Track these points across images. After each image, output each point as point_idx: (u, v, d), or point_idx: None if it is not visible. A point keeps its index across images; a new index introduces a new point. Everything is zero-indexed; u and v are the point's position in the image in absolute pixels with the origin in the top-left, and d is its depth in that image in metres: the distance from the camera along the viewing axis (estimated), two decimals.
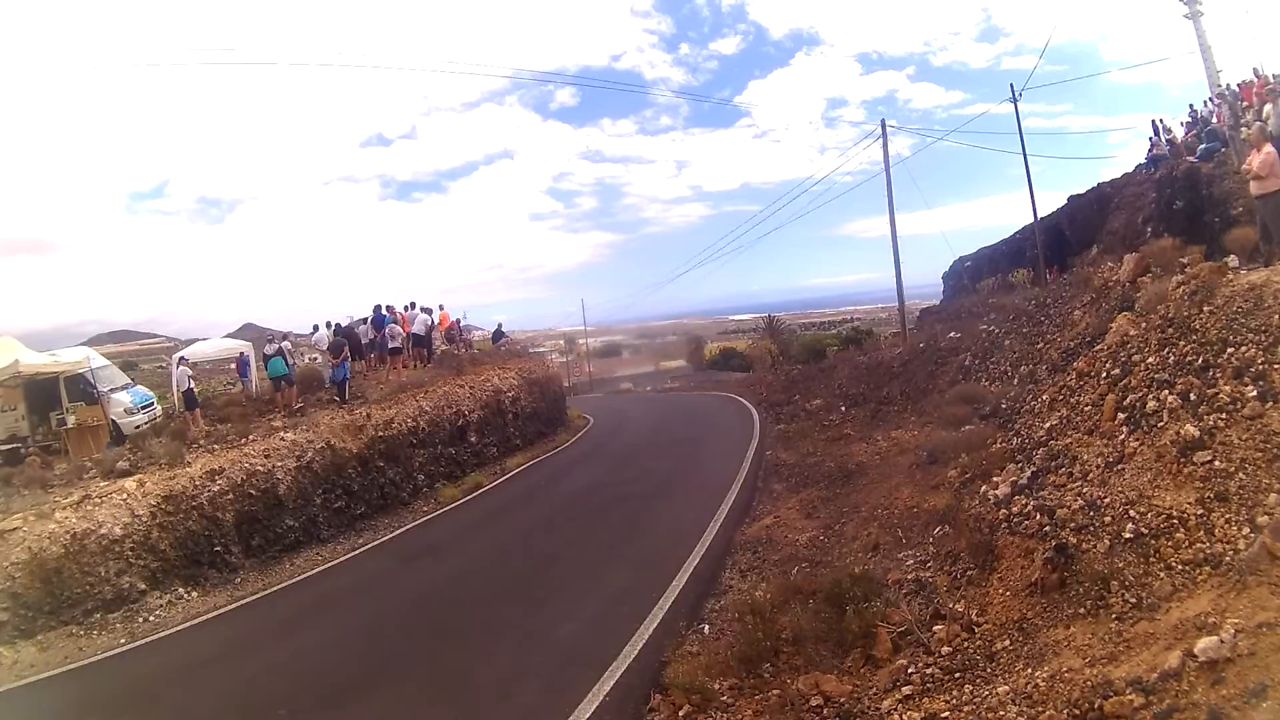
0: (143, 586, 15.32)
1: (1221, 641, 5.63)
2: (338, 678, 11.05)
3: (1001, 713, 6.71)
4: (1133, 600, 7.35)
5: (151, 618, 14.84)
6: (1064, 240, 30.03)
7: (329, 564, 17.55)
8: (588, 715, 9.09)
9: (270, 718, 10.01)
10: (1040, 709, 6.45)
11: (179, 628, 14.24)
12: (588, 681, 9.80)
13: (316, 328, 29.02)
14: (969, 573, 10.22)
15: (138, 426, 22.19)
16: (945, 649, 8.68)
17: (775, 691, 8.98)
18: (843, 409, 27.35)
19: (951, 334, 27.01)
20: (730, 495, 18.61)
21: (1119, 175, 29.38)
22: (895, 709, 7.87)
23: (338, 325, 28.10)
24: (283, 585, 16.27)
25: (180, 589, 15.79)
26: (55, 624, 14.09)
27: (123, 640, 13.91)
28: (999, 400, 17.25)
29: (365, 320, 28.73)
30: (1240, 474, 7.83)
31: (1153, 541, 7.84)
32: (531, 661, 10.75)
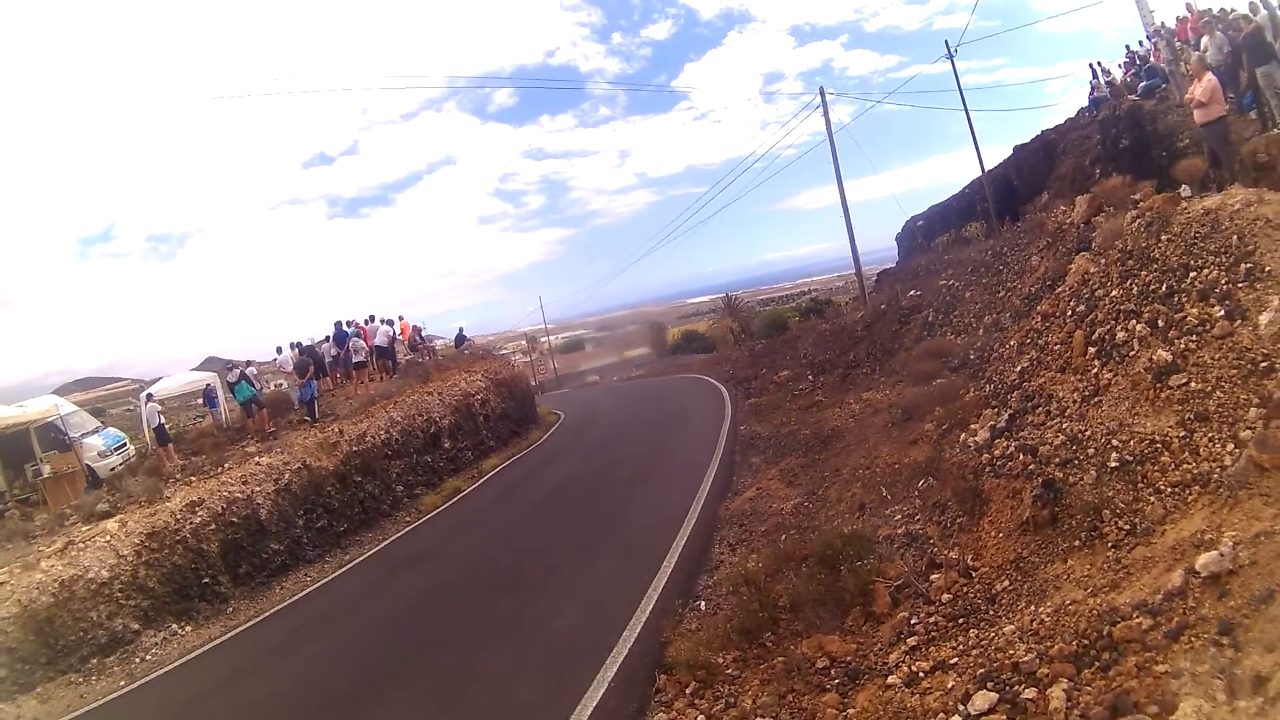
0: (136, 627, 15.09)
1: (1221, 555, 5.67)
2: (341, 693, 10.94)
3: (1010, 651, 6.72)
4: (1126, 527, 7.42)
5: (148, 657, 14.60)
6: (1014, 190, 30.10)
7: (318, 583, 17.30)
8: (594, 703, 8.99)
9: None
10: (1049, 643, 6.47)
11: (176, 664, 14.04)
12: (590, 670, 9.71)
13: (280, 349, 28.69)
14: (959, 520, 10.28)
15: (113, 469, 21.78)
16: (945, 596, 8.73)
17: (779, 659, 8.95)
18: (811, 377, 27.37)
19: (912, 292, 27.10)
20: (710, 473, 18.56)
21: (1062, 121, 29.56)
22: (903, 661, 7.88)
23: (301, 345, 27.82)
24: (275, 610, 16.03)
25: (173, 625, 15.56)
26: (53, 674, 13.87)
27: (122, 683, 13.66)
28: (966, 351, 17.35)
29: (327, 338, 28.46)
30: (1218, 393, 7.91)
31: (1139, 468, 7.92)
32: (532, 656, 10.66)
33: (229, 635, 14.99)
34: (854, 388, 23.51)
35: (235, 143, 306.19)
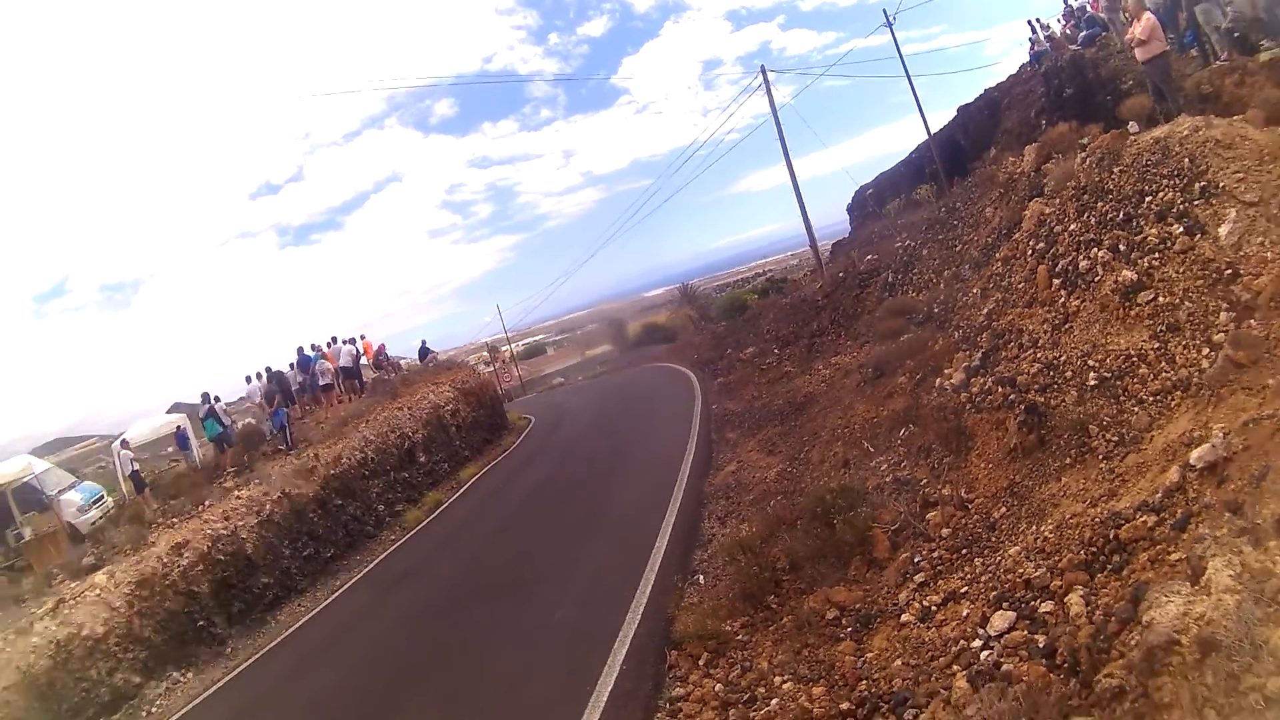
0: (137, 680, 14.60)
1: (1214, 446, 5.80)
2: (356, 715, 10.83)
3: (1020, 570, 6.84)
4: (1114, 439, 7.60)
5: (154, 709, 14.16)
6: (961, 150, 30.08)
7: (313, 611, 16.99)
8: (609, 688, 8.92)
9: None
10: (1057, 558, 6.60)
11: (183, 712, 13.59)
12: (599, 657, 9.64)
13: (249, 379, 28.08)
14: (946, 460, 10.42)
15: (93, 523, 21.29)
16: (944, 531, 8.86)
17: (788, 618, 9.00)
18: (777, 350, 27.41)
19: (869, 257, 27.24)
20: (688, 454, 18.54)
21: (1005, 79, 29.66)
22: (913, 598, 8.00)
23: (269, 370, 27.38)
24: (274, 644, 15.68)
25: (174, 673, 15.17)
26: None
27: None
28: (930, 306, 17.48)
29: (292, 365, 28.13)
30: (1186, 303, 8.16)
31: (1118, 382, 8.14)
32: (540, 653, 10.57)
33: (232, 676, 14.63)
34: (821, 355, 23.61)
35: (179, 181, 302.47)
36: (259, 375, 27.06)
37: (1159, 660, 3.86)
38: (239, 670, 14.80)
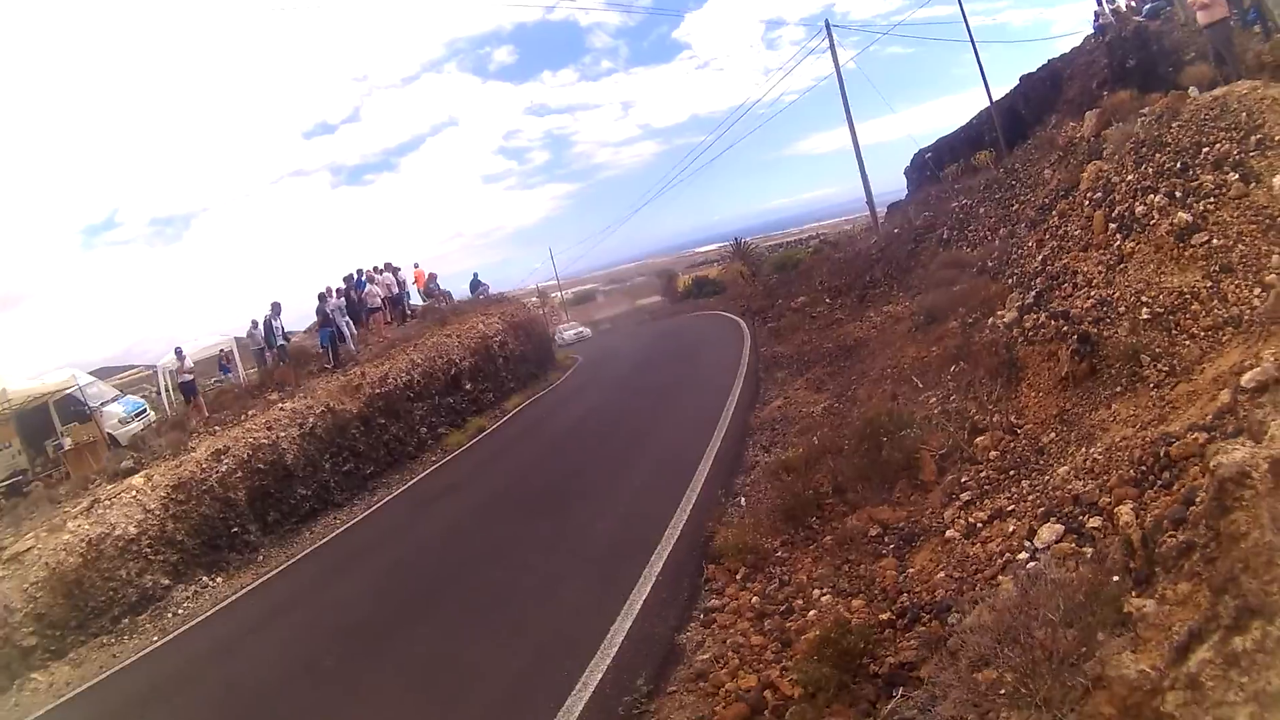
0: (166, 582, 14.98)
1: (1265, 367, 6.01)
2: (386, 614, 11.05)
3: (1068, 488, 7.14)
4: (1166, 369, 7.89)
5: (180, 611, 14.41)
6: (1020, 119, 29.83)
7: (349, 523, 17.22)
8: (643, 597, 9.13)
9: (315, 670, 9.88)
10: (1105, 477, 6.88)
11: (209, 614, 13.86)
12: (636, 567, 9.85)
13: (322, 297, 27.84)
14: (995, 392, 10.69)
15: (134, 435, 21.62)
16: (993, 454, 9.15)
17: (828, 538, 9.27)
18: (828, 300, 27.39)
19: (925, 214, 27.20)
20: (735, 389, 18.79)
21: (1068, 50, 29.29)
22: (958, 516, 8.30)
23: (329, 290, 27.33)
24: (307, 552, 15.98)
25: (204, 577, 15.50)
26: (85, 637, 13.70)
27: (155, 638, 13.44)
28: (984, 260, 17.57)
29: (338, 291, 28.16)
30: (1239, 246, 8.43)
31: (1171, 317, 8.41)
32: (576, 562, 10.85)
33: (261, 581, 14.95)
34: (873, 304, 23.66)
35: (234, 118, 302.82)
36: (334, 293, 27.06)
37: (1230, 495, 3.87)
38: (269, 576, 15.14)
